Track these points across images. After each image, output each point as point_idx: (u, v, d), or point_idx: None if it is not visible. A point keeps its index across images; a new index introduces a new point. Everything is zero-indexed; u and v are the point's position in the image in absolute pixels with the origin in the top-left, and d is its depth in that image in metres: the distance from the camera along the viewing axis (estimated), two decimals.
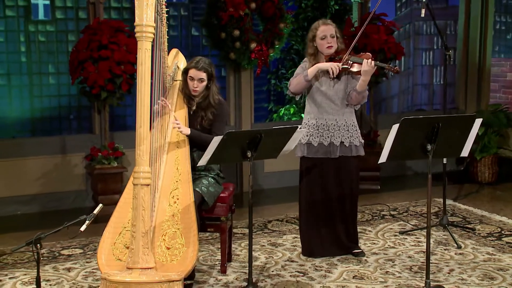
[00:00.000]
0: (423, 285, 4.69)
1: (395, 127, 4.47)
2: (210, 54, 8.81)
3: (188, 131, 4.94)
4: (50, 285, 5.00)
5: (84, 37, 6.92)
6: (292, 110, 10.14)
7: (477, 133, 8.23)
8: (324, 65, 5.38)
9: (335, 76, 5.35)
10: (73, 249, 5.88)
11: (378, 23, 8.07)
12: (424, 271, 4.74)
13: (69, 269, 5.35)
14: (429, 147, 4.56)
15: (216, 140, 4.45)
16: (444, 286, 4.88)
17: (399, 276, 5.12)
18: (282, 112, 10.21)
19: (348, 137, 5.48)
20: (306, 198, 5.58)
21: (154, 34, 4.43)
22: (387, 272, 5.22)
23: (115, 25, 6.95)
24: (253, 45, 7.67)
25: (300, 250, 5.72)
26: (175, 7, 10.30)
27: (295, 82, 5.44)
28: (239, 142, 4.56)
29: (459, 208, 7.16)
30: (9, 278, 5.15)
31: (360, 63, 5.32)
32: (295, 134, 4.74)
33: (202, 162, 4.58)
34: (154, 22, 4.43)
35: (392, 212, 6.99)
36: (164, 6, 4.76)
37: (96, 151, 7.10)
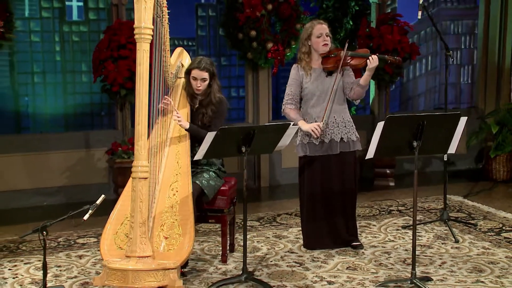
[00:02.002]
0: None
1: (380, 125, 4.68)
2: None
3: (187, 125, 5.17)
4: (60, 270, 5.32)
5: (105, 37, 7.25)
6: None
7: (492, 131, 8.42)
8: (304, 128, 5.57)
9: (319, 136, 5.57)
10: (88, 238, 6.22)
11: (393, 23, 8.23)
12: (417, 263, 4.93)
13: (80, 257, 5.68)
14: (415, 144, 4.76)
15: (210, 135, 4.70)
16: (432, 277, 5.04)
17: (391, 268, 5.30)
18: None
19: (346, 133, 5.68)
20: (307, 193, 5.77)
21: (152, 36, 4.70)
22: (380, 264, 5.40)
23: None
24: (269, 45, 7.91)
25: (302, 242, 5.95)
26: (203, 8, 10.60)
27: (291, 117, 5.64)
28: (233, 138, 4.78)
29: (466, 205, 7.28)
30: (24, 263, 5.51)
31: (360, 57, 5.53)
32: (289, 130, 4.95)
33: (198, 156, 4.82)
34: (153, 25, 4.71)
35: (400, 208, 7.16)
36: (165, 8, 5.00)
37: (116, 146, 7.42)
